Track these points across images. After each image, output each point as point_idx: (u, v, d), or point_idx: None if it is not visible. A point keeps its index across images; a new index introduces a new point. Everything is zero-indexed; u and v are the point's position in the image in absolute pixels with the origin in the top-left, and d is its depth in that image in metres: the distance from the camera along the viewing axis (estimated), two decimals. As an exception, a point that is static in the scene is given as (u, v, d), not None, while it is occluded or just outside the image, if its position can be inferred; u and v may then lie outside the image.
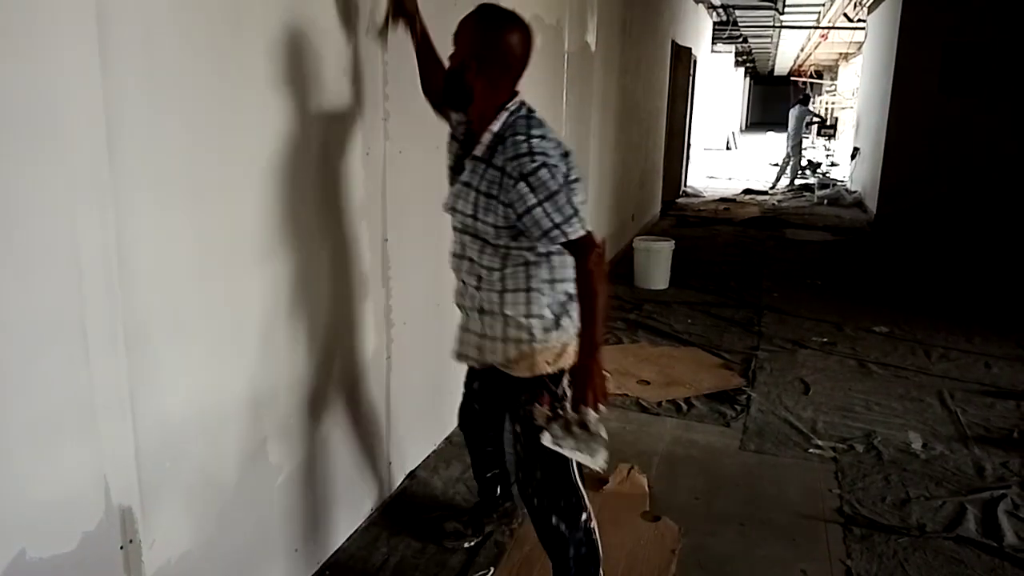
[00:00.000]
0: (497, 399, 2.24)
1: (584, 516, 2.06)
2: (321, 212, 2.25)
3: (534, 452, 2.01)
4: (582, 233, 1.81)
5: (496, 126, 1.89)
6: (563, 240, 1.82)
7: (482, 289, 1.99)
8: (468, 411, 2.47)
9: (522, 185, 1.78)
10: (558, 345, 1.97)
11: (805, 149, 13.60)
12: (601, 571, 2.13)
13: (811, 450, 3.33)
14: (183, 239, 1.73)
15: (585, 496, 2.07)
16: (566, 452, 1.91)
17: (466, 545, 2.55)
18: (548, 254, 1.94)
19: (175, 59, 1.65)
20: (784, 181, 13.21)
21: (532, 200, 1.78)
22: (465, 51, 1.89)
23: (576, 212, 1.81)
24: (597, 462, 1.90)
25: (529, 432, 2.00)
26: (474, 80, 1.88)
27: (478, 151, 1.92)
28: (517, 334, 1.97)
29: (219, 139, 1.81)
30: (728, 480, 3.07)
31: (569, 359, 1.97)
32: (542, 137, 1.85)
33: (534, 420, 1.95)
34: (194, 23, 1.69)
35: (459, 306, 2.13)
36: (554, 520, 2.05)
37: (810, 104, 12.58)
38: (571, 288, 1.97)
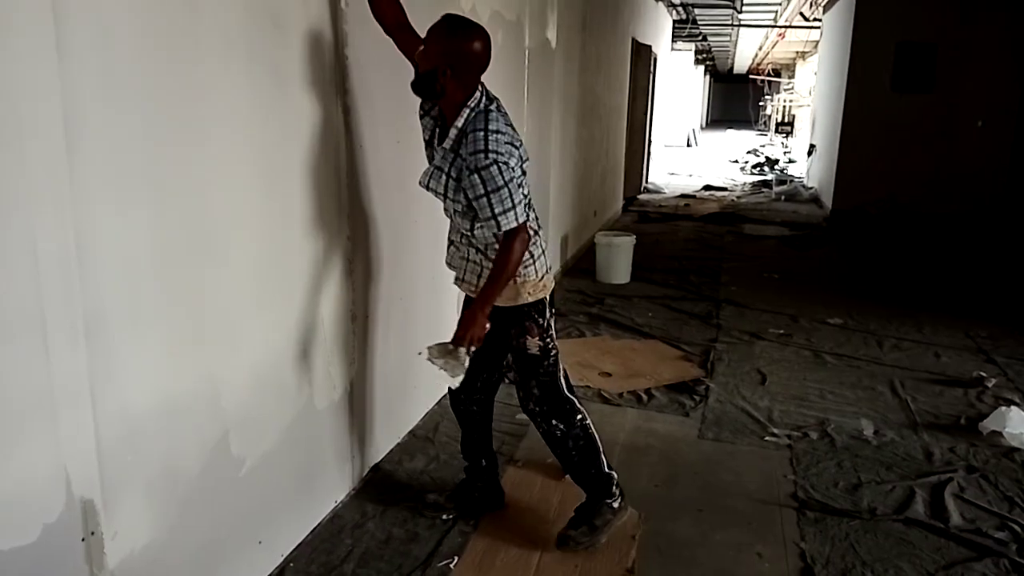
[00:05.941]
0: (491, 336, 2.38)
1: (579, 416, 2.50)
2: (284, 206, 2.26)
3: (528, 373, 2.46)
4: (514, 225, 2.18)
5: (460, 122, 2.20)
6: (498, 227, 2.17)
7: (471, 244, 2.35)
8: None
9: (475, 177, 2.13)
10: (535, 277, 2.36)
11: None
12: (602, 457, 2.54)
13: (767, 438, 3.42)
14: (143, 231, 1.73)
15: (577, 402, 2.52)
16: (437, 366, 2.27)
17: (444, 517, 2.67)
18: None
19: (133, 55, 1.65)
20: None
21: (481, 190, 2.14)
22: (437, 58, 2.15)
23: (514, 206, 2.15)
24: (454, 381, 2.29)
25: (522, 358, 2.44)
26: (446, 83, 2.17)
27: (447, 143, 2.22)
28: None
29: (178, 133, 1.81)
30: (687, 468, 3.14)
31: (547, 289, 2.40)
32: (496, 131, 2.15)
33: (527, 350, 2.42)
34: (151, 20, 1.69)
35: (449, 264, 2.49)
36: (553, 422, 2.49)
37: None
38: (534, 225, 2.33)
